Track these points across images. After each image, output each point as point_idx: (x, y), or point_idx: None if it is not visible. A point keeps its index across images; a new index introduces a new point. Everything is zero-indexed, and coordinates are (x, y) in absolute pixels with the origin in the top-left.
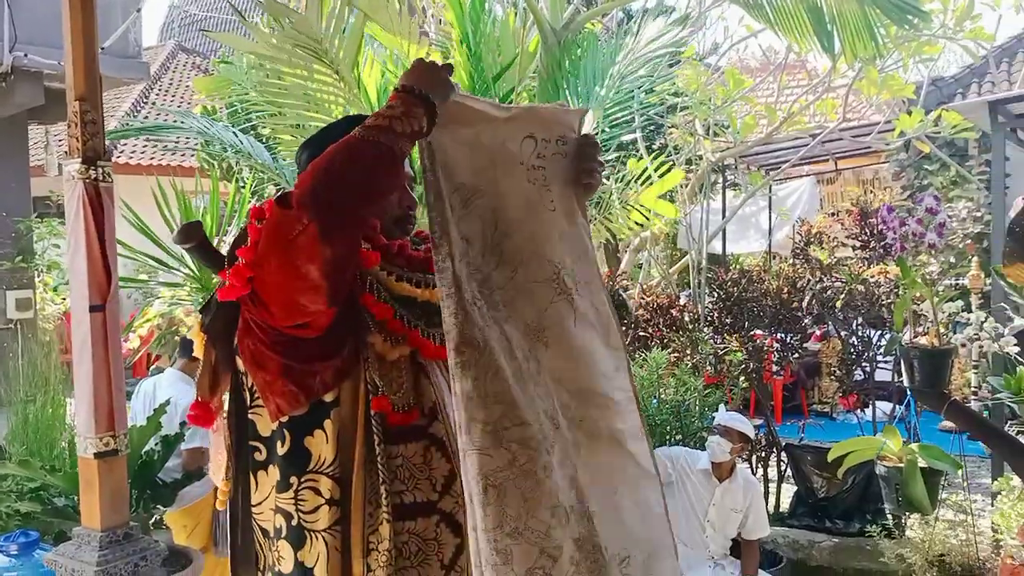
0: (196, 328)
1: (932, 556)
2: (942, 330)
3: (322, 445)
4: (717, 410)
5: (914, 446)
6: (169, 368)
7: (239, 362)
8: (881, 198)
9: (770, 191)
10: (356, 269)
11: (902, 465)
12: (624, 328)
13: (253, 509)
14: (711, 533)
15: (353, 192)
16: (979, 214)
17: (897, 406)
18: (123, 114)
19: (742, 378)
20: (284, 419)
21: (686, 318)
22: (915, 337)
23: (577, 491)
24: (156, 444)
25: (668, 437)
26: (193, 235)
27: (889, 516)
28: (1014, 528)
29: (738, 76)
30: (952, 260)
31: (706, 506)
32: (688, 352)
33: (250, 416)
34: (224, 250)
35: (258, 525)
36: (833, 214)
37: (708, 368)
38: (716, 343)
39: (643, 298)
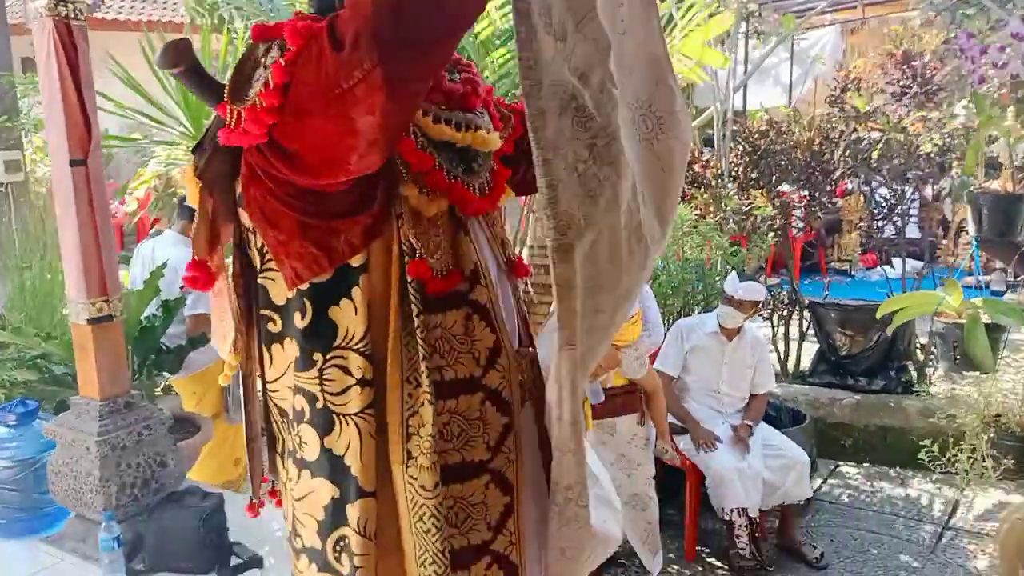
0: (189, 172)
1: (988, 416)
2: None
3: (350, 317)
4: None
5: (976, 300)
6: (167, 229)
7: (244, 215)
8: (926, 40)
9: (792, 41)
10: None
11: (962, 321)
12: None
13: (268, 386)
14: (726, 391)
15: (435, 20)
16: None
17: (927, 264)
18: None
19: (771, 235)
20: (303, 286)
21: (709, 174)
22: (985, 182)
23: None
24: (157, 309)
25: (690, 297)
26: (182, 57)
27: (913, 373)
28: None
29: None
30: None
31: (719, 367)
32: (711, 209)
33: (260, 281)
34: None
35: (274, 404)
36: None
37: (732, 226)
38: (740, 199)
39: None
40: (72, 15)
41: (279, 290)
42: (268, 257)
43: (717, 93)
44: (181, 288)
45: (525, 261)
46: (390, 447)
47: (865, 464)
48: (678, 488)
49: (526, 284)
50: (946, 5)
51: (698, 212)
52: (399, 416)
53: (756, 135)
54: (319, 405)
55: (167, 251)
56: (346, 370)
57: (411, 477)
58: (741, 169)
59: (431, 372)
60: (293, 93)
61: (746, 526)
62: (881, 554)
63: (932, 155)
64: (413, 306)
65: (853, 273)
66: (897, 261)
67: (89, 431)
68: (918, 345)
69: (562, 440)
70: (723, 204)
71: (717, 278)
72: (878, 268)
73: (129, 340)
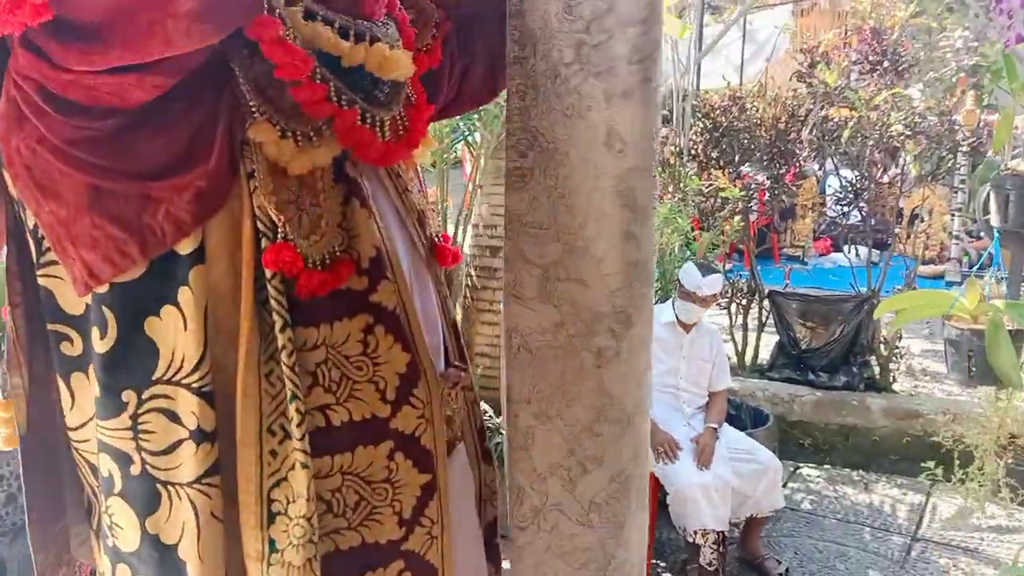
0: None
1: (1004, 438)
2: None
3: (177, 334)
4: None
5: (997, 303)
6: None
7: (8, 180)
8: (894, 16)
9: (745, 21)
10: None
11: (979, 327)
12: None
13: (72, 435)
14: (685, 387)
15: None
16: (975, 44)
17: (888, 253)
18: None
19: (738, 219)
20: (100, 289)
21: (667, 152)
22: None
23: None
24: None
25: None
26: None
27: (876, 368)
28: None
29: None
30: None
31: (677, 361)
32: (670, 190)
33: (41, 281)
34: None
35: (84, 459)
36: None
37: (691, 208)
38: (701, 180)
39: None
40: None
41: (68, 294)
42: (47, 246)
43: (677, 65)
44: None
45: (468, 244)
46: (244, 534)
47: (826, 466)
48: None
49: (468, 268)
50: None
51: (656, 193)
52: (256, 486)
53: (717, 111)
54: (135, 470)
55: None
56: (173, 416)
57: None
58: (701, 147)
59: (309, 416)
60: None
61: (713, 543)
62: (848, 569)
63: (903, 136)
64: (276, 315)
65: (806, 260)
66: (851, 248)
67: None
68: (882, 339)
69: (506, 425)
70: (682, 184)
71: (677, 264)
72: (830, 255)
73: None
